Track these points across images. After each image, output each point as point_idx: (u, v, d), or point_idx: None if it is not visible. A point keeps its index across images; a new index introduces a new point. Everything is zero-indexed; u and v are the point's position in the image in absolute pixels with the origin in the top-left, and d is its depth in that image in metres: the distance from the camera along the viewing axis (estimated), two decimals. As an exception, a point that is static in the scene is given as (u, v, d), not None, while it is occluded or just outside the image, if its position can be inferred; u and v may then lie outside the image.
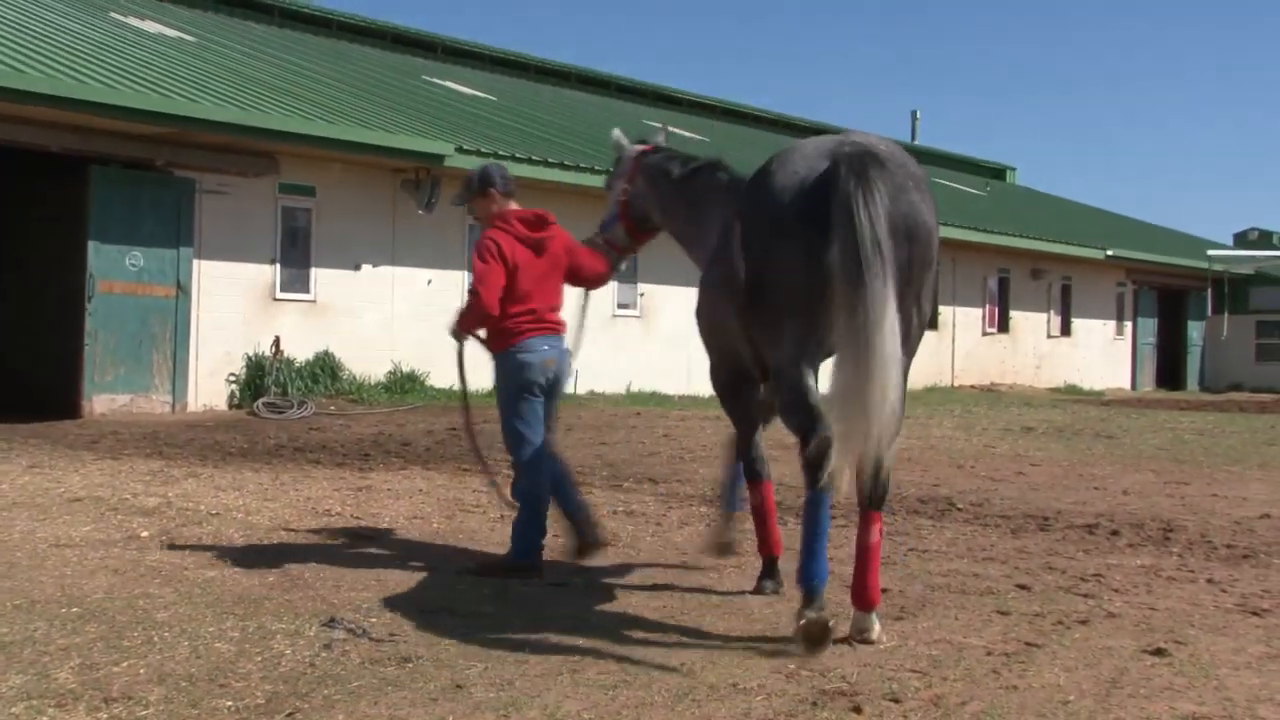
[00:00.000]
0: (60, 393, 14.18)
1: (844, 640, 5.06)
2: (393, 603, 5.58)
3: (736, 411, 6.20)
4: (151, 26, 20.21)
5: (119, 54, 16.19)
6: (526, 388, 6.26)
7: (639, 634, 5.20)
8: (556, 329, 6.42)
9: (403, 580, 6.08)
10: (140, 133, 14.17)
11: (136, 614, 5.20)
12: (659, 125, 7.20)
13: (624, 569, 6.55)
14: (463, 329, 6.36)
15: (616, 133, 6.98)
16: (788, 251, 4.93)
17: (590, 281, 6.80)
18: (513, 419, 6.28)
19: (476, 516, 8.03)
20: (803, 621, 4.77)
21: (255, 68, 18.98)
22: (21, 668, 4.43)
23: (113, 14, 20.25)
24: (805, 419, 5.00)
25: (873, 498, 5.18)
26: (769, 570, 6.09)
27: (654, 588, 6.10)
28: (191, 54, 18.42)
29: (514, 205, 6.49)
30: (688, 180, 6.42)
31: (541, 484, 6.31)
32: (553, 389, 6.39)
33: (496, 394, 6.37)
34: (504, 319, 6.22)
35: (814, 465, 4.94)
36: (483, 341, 6.40)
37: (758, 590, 6.03)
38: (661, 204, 6.55)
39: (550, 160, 18.41)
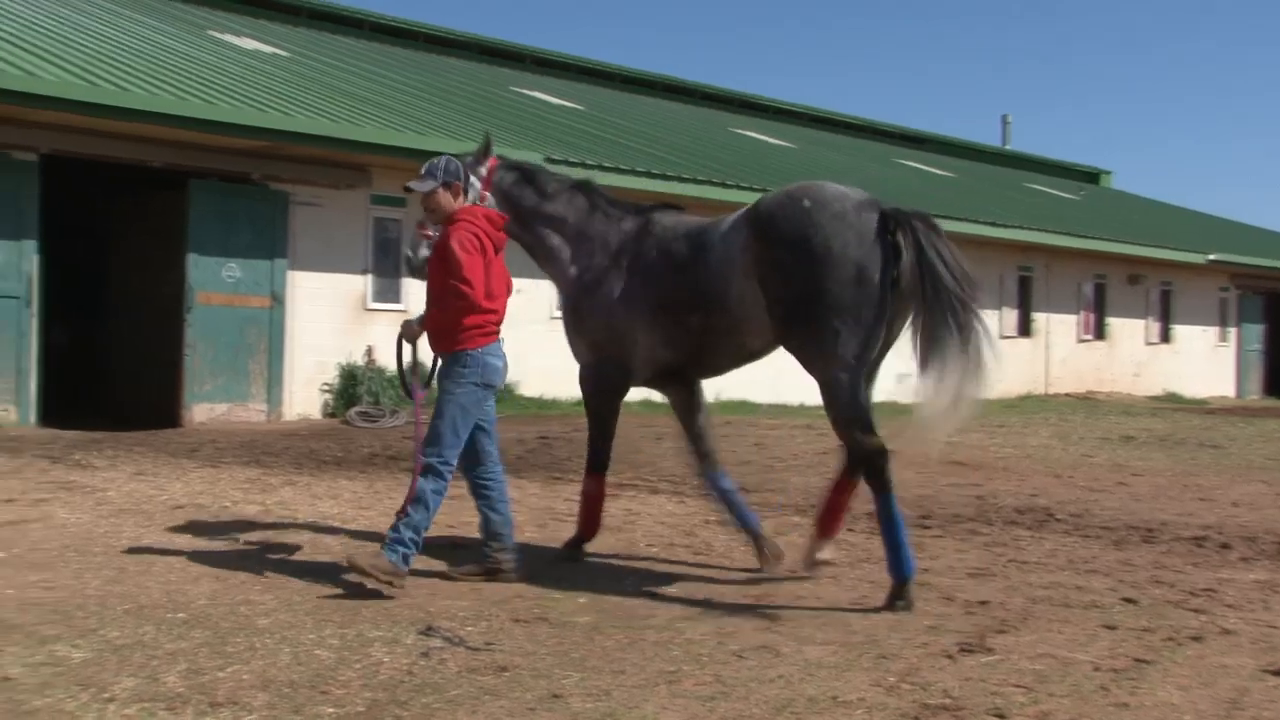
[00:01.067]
0: (161, 402, 14.50)
1: (946, 654, 4.96)
2: (488, 611, 5.60)
3: (614, 410, 7.05)
4: (248, 43, 20.63)
5: (217, 71, 16.53)
6: (488, 391, 6.21)
7: (735, 645, 5.15)
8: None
9: (497, 590, 6.09)
10: (237, 147, 14.45)
11: (239, 620, 5.27)
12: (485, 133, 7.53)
13: (718, 579, 6.49)
14: (445, 328, 6.13)
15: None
16: (871, 292, 5.89)
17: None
18: (460, 418, 6.08)
19: (569, 526, 8.01)
20: (895, 608, 5.82)
21: (347, 81, 19.27)
22: (133, 670, 4.52)
23: (211, 32, 20.70)
24: (869, 430, 5.98)
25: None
26: (577, 544, 7.04)
27: (749, 598, 6.04)
28: (286, 69, 18.76)
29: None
30: (557, 199, 7.07)
31: (445, 490, 6.10)
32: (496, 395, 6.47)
33: (450, 390, 6.09)
34: (478, 315, 6.13)
35: (881, 472, 5.95)
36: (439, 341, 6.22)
37: (564, 557, 7.00)
38: (521, 219, 7.00)
39: (638, 169, 18.42)
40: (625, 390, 7.00)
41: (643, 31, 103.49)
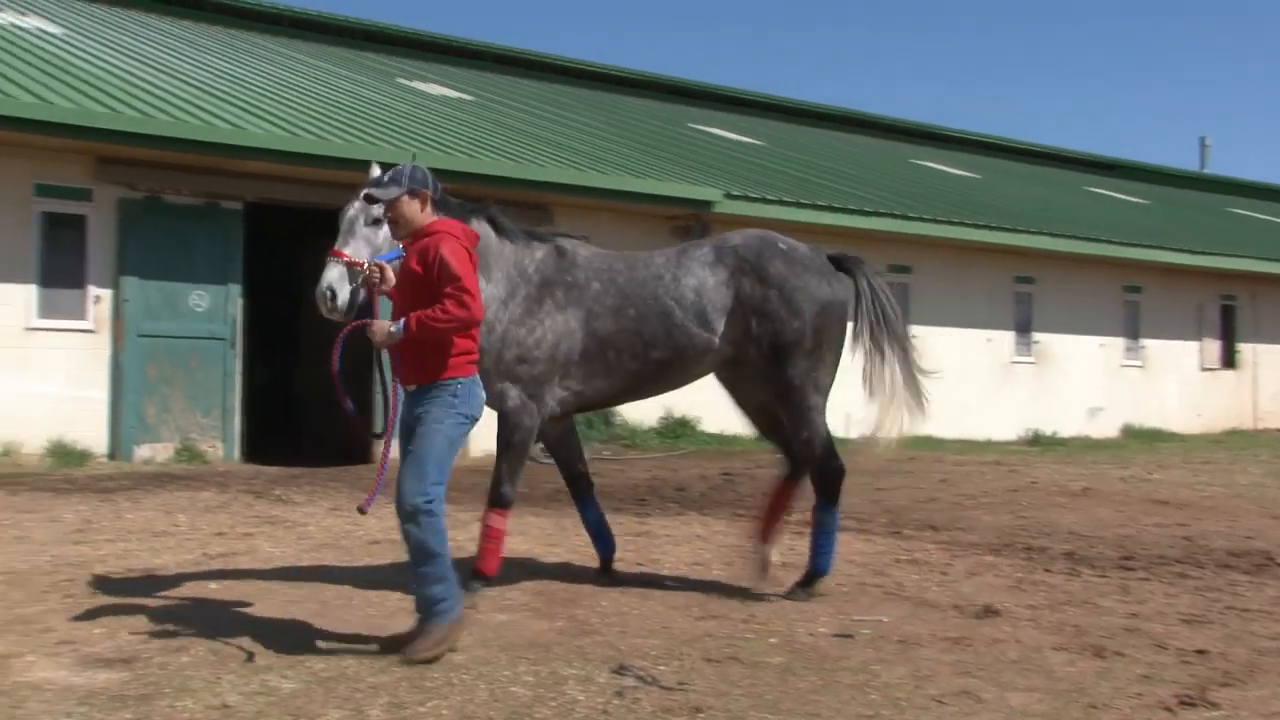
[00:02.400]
0: (352, 438, 14.94)
1: (1164, 707, 4.70)
2: (680, 650, 5.56)
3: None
4: (433, 89, 21.30)
5: (407, 117, 17.12)
6: (471, 424, 5.48)
7: (933, 689, 5.00)
8: None
9: (688, 628, 6.04)
10: (427, 190, 14.89)
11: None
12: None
13: (912, 620, 6.32)
14: (432, 352, 5.40)
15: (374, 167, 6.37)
16: (841, 330, 6.90)
17: None
18: (447, 453, 5.36)
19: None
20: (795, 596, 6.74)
21: (529, 123, 19.71)
22: (338, 703, 4.64)
23: (400, 79, 21.46)
24: (835, 452, 6.83)
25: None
26: (479, 578, 6.54)
27: (946, 640, 5.85)
28: (471, 113, 19.30)
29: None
30: (467, 222, 6.37)
31: (443, 525, 5.35)
32: None
33: (435, 422, 5.31)
34: (463, 338, 5.45)
35: (839, 489, 6.86)
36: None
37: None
38: None
39: (819, 203, 18.28)
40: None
41: (819, 66, 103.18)
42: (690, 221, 17.06)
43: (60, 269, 13.11)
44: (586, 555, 8.08)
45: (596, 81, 27.98)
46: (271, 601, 6.39)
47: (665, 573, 7.56)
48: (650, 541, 8.77)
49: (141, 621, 5.84)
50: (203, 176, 13.54)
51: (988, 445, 19.40)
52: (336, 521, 9.38)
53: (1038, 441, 20.53)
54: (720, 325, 6.75)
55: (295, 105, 15.77)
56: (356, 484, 12.04)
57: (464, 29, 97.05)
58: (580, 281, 6.70)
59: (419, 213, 5.56)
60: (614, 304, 6.70)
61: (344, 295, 5.84)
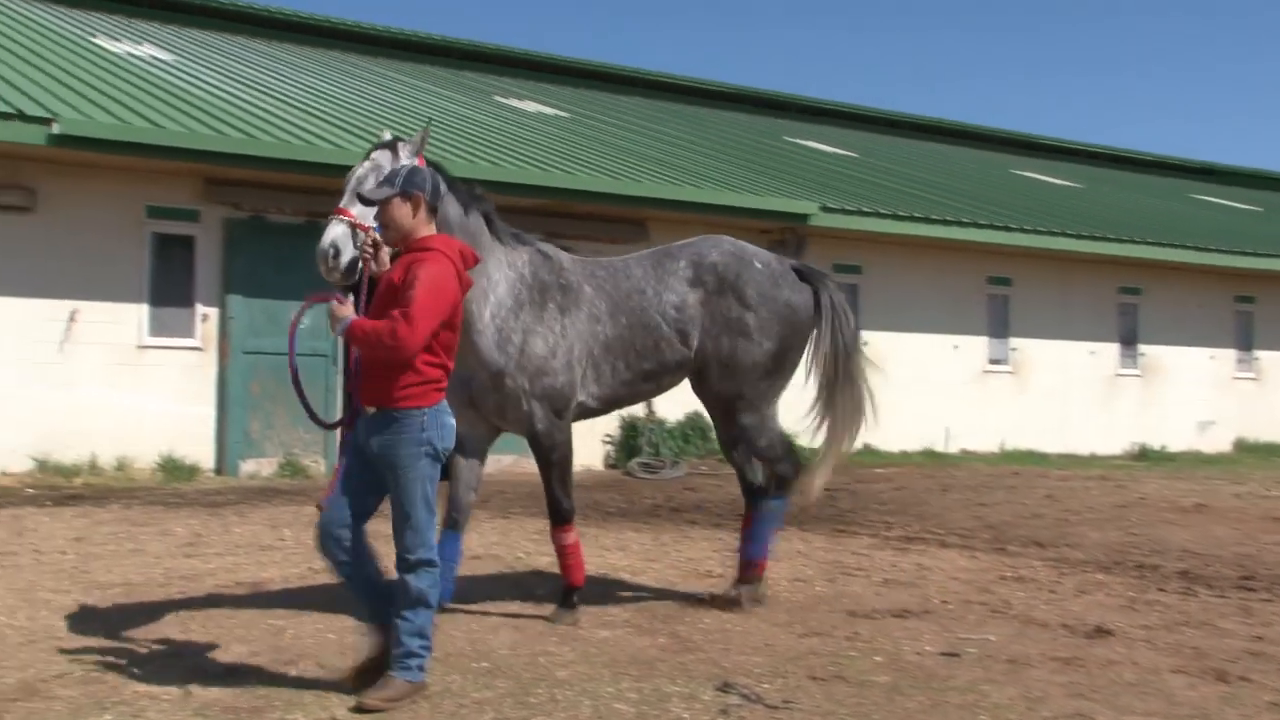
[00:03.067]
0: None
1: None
2: (784, 668, 5.49)
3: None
4: (530, 106, 21.49)
5: (503, 134, 17.29)
6: (442, 457, 4.98)
7: (1046, 711, 4.88)
8: None
9: (791, 645, 5.98)
10: (521, 206, 14.96)
11: (539, 671, 5.36)
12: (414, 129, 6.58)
13: (1020, 639, 6.18)
14: (361, 345, 4.88)
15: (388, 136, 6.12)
16: (803, 344, 6.97)
17: None
18: (431, 495, 4.93)
19: (859, 580, 7.84)
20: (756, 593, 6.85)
21: (624, 138, 19.79)
22: (445, 717, 4.66)
23: (496, 97, 21.70)
24: (792, 451, 6.98)
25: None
26: (573, 592, 6.50)
27: (1057, 661, 5.71)
28: (566, 129, 19.43)
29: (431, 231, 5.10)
30: (470, 213, 6.14)
31: (437, 579, 5.02)
32: None
33: (407, 469, 4.86)
34: (431, 366, 4.90)
35: (791, 484, 6.94)
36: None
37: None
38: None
39: (916, 215, 18.07)
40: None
41: (915, 76, 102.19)
42: (786, 235, 16.97)
43: (169, 288, 13.46)
44: (688, 571, 8.06)
45: (691, 96, 28.00)
46: (376, 615, 6.44)
47: (766, 589, 7.48)
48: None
49: (251, 634, 5.93)
50: (305, 196, 13.79)
51: (1092, 460, 18.98)
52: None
53: (1145, 456, 20.02)
54: (695, 341, 6.69)
55: (395, 124, 15.97)
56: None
57: (561, 47, 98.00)
58: (573, 284, 6.44)
59: (410, 218, 4.99)
60: (609, 309, 6.51)
61: (348, 255, 5.53)
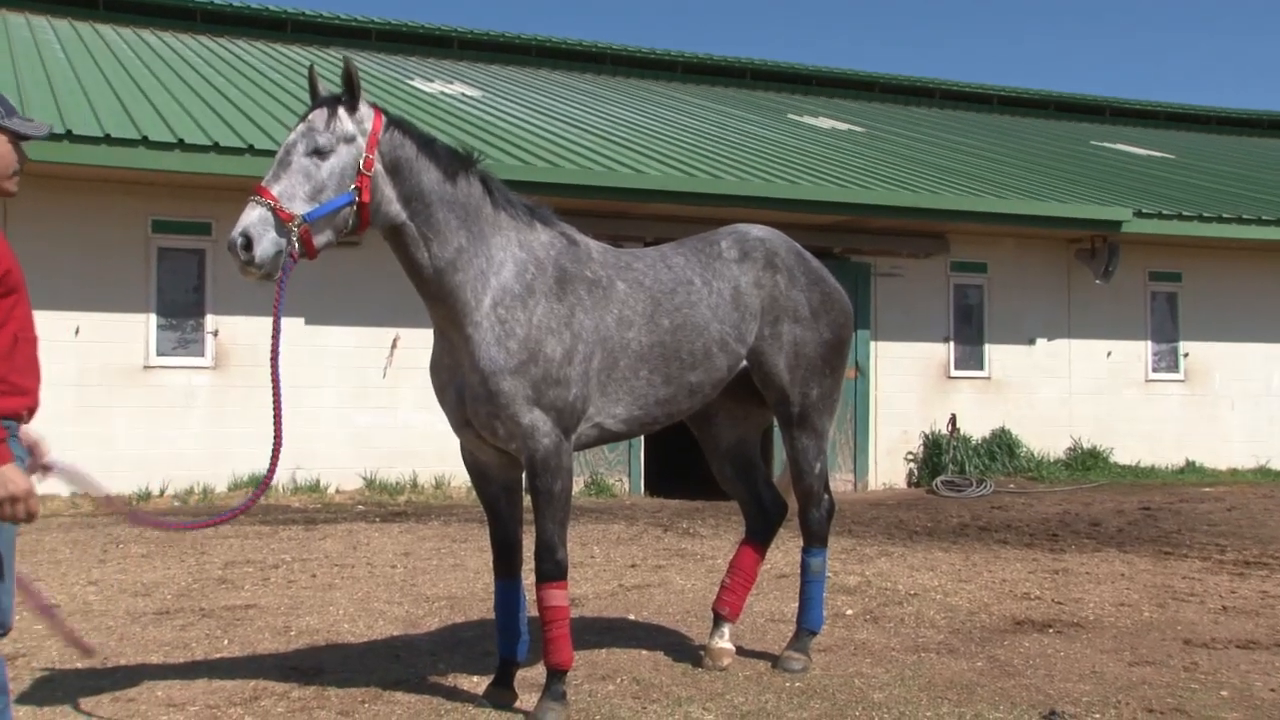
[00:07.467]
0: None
1: None
2: (1115, 698, 5.18)
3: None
4: (824, 123, 21.38)
5: (798, 152, 17.26)
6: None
7: None
8: None
9: (1121, 673, 5.63)
10: (819, 223, 14.90)
11: (854, 693, 5.25)
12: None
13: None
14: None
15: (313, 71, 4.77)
16: (850, 342, 6.03)
17: None
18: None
19: (1193, 606, 7.32)
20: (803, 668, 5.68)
21: (920, 150, 19.38)
22: (758, 739, 4.62)
23: (790, 115, 21.71)
24: (829, 491, 5.99)
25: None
26: (557, 673, 4.96)
27: None
28: (861, 144, 19.21)
29: None
30: (457, 181, 4.87)
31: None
32: None
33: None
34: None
35: (829, 526, 6.03)
36: None
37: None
38: (415, 204, 4.78)
39: (1246, 216, 16.82)
40: None
41: (1233, 70, 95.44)
42: (1096, 243, 16.17)
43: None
44: (1002, 592, 7.75)
45: (990, 104, 27.19)
46: (688, 632, 6.50)
47: (1089, 613, 7.10)
48: (1069, 579, 8.29)
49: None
50: (608, 220, 14.11)
51: (1217, 474, 17.01)
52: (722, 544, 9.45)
53: None
54: (751, 337, 5.53)
55: (690, 146, 16.25)
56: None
57: (851, 60, 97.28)
58: (603, 280, 5.15)
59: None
60: (646, 310, 5.22)
61: (265, 247, 4.38)
